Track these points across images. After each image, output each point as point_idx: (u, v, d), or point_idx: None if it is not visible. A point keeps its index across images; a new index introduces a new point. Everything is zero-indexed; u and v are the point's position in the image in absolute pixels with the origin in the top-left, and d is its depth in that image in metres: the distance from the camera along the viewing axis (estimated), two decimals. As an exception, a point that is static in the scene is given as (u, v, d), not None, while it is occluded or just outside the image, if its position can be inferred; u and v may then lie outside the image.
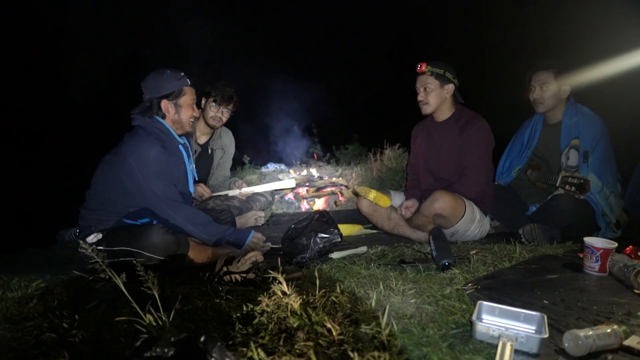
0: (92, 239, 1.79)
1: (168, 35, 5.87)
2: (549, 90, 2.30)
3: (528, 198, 2.51)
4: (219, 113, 2.67)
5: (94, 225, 1.84)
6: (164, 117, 1.90)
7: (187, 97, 1.92)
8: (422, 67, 2.26)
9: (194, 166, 2.19)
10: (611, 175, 2.24)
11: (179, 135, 1.98)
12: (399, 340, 1.02)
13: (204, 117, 2.71)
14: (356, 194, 2.50)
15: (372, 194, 2.33)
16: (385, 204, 2.37)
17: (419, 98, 2.30)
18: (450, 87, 2.28)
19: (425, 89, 2.27)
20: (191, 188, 2.03)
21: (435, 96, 2.27)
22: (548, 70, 2.30)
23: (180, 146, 1.96)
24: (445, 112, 2.34)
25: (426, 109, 2.31)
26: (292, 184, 2.88)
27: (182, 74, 1.92)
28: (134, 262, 1.14)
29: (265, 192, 2.90)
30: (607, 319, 1.20)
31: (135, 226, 1.83)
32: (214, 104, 2.65)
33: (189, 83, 1.93)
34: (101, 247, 1.73)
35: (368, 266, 1.70)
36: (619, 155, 2.30)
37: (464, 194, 2.22)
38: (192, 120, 1.97)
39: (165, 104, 1.88)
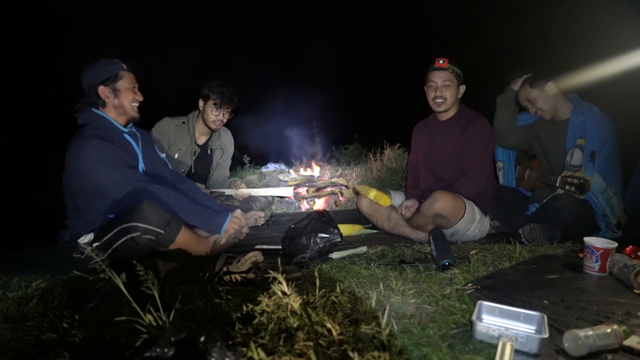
0: (83, 239, 1.79)
1: (167, 36, 5.87)
2: (538, 99, 2.31)
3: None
4: (220, 116, 2.66)
5: (83, 229, 1.84)
6: (104, 105, 1.89)
7: (125, 81, 1.91)
8: (445, 62, 2.23)
9: (165, 155, 2.18)
10: (616, 176, 2.24)
11: (126, 123, 1.96)
12: (399, 340, 1.02)
13: (205, 120, 2.70)
14: (357, 192, 2.50)
15: (373, 193, 2.34)
16: (385, 203, 2.37)
17: (437, 93, 2.25)
18: (463, 88, 2.30)
19: (443, 84, 2.24)
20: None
21: (453, 94, 2.26)
22: (525, 85, 2.35)
23: (126, 135, 1.94)
24: (450, 112, 2.35)
25: (442, 106, 2.28)
26: (289, 192, 2.89)
27: (117, 60, 1.92)
28: (134, 261, 1.14)
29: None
30: (607, 319, 1.20)
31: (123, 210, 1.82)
32: (214, 107, 2.63)
33: (125, 67, 1.92)
34: (97, 244, 1.72)
35: (368, 266, 1.70)
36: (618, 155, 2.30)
37: (464, 194, 2.22)
38: (135, 104, 1.95)
39: (102, 90, 1.87)
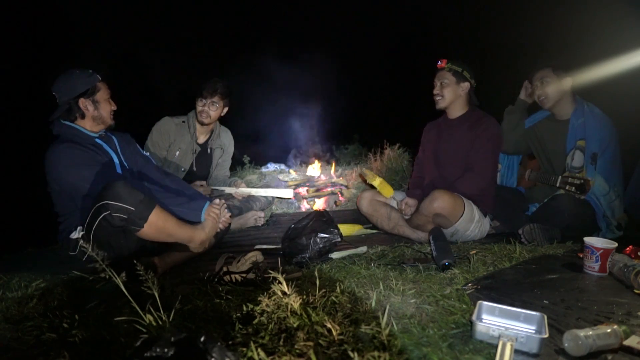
0: (74, 235, 1.80)
1: (166, 34, 5.87)
2: (550, 84, 2.32)
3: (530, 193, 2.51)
4: (205, 107, 2.66)
5: (72, 227, 1.85)
6: (83, 116, 1.92)
7: (103, 92, 1.95)
8: (443, 63, 2.36)
9: (150, 153, 2.17)
10: (618, 178, 2.24)
11: (101, 130, 1.99)
12: (399, 340, 1.02)
13: (196, 114, 2.71)
14: (363, 178, 2.53)
15: (378, 180, 2.38)
16: (388, 194, 2.42)
17: (435, 91, 2.39)
18: (466, 86, 2.34)
19: (441, 83, 2.36)
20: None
21: (451, 91, 2.34)
22: (547, 66, 2.35)
23: (97, 140, 1.96)
24: (458, 110, 2.40)
25: (440, 103, 2.39)
26: (289, 194, 2.90)
27: (91, 71, 1.95)
28: (134, 261, 1.14)
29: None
30: (607, 319, 1.20)
31: None
32: (199, 98, 2.65)
33: (100, 79, 1.96)
34: (82, 233, 1.72)
35: (368, 266, 1.70)
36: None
37: (467, 190, 2.24)
38: (111, 114, 1.99)
39: (83, 102, 1.90)
